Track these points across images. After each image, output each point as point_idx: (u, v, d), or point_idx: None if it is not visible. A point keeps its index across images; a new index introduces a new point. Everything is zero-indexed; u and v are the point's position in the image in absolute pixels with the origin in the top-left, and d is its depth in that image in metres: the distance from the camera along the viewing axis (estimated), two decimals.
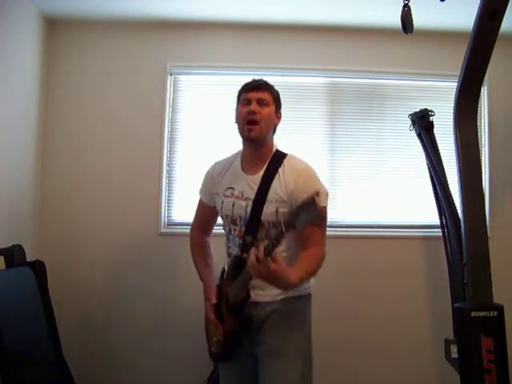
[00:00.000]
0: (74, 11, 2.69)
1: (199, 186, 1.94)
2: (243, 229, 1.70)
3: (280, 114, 1.78)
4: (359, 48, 2.86)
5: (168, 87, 2.84)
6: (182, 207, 2.84)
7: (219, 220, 1.90)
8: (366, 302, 2.74)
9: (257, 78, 1.77)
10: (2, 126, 2.30)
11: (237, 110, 1.74)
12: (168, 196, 2.85)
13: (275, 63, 2.83)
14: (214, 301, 1.75)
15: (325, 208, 1.64)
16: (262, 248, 1.40)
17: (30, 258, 2.22)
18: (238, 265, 1.67)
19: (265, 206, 1.64)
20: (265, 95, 1.69)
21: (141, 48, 2.84)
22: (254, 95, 1.68)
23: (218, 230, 2.03)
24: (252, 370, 1.73)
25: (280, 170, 1.68)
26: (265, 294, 1.67)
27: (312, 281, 1.78)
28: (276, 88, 1.77)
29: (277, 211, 1.62)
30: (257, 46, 2.84)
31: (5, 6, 2.29)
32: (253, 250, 1.43)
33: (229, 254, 1.79)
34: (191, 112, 2.88)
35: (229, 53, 2.83)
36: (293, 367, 1.66)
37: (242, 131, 1.71)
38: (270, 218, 1.63)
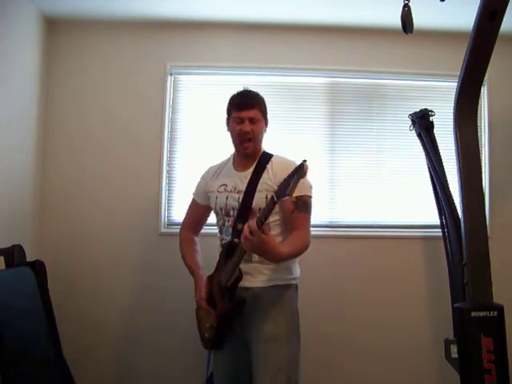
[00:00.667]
0: (74, 11, 2.69)
1: (193, 190, 2.13)
2: (235, 218, 1.85)
3: (267, 119, 1.97)
4: (359, 48, 2.86)
5: (168, 87, 2.84)
6: (182, 207, 2.83)
7: (209, 220, 2.14)
8: (366, 302, 2.73)
9: (245, 86, 1.97)
10: (2, 125, 2.30)
11: (228, 124, 1.95)
12: (168, 196, 2.85)
13: (275, 63, 2.83)
14: (204, 291, 1.89)
15: (310, 197, 1.84)
16: (254, 220, 1.52)
17: (30, 258, 2.22)
18: (229, 249, 1.80)
19: (255, 195, 1.82)
20: (255, 113, 1.88)
21: (141, 48, 2.84)
22: (245, 114, 1.86)
23: (209, 229, 2.21)
24: (244, 356, 1.84)
25: (268, 165, 1.88)
26: (254, 279, 1.82)
27: (299, 272, 1.94)
28: (262, 95, 1.96)
29: (266, 198, 1.76)
30: (257, 46, 2.84)
31: (5, 6, 2.29)
32: (246, 224, 1.54)
33: (222, 245, 1.92)
34: (191, 112, 2.88)
35: (229, 53, 2.83)
36: (283, 351, 1.78)
37: (237, 147, 1.94)
38: (260, 205, 1.75)
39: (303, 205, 1.80)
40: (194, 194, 2.14)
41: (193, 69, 2.86)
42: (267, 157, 1.93)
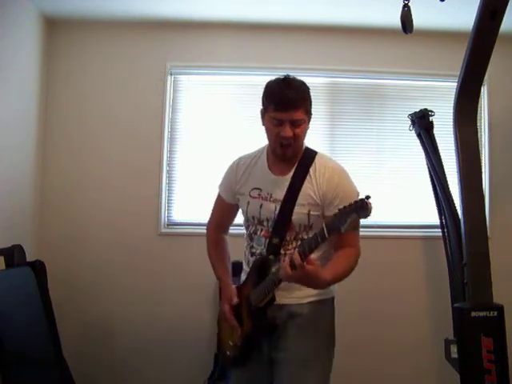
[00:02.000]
0: (74, 11, 2.69)
1: (220, 181, 1.78)
2: (270, 229, 1.60)
3: (311, 114, 1.60)
4: (359, 48, 2.86)
5: (168, 87, 2.84)
6: (182, 207, 2.85)
7: (237, 220, 1.82)
8: (366, 302, 2.74)
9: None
10: (2, 125, 2.30)
11: (263, 117, 1.59)
12: (168, 196, 2.85)
13: (275, 63, 2.82)
14: (235, 300, 1.63)
15: None
16: (296, 253, 1.34)
17: (30, 258, 2.22)
18: (262, 265, 1.59)
19: (296, 209, 1.56)
20: (299, 114, 1.50)
21: (141, 48, 2.84)
22: (286, 117, 1.49)
23: (235, 230, 1.88)
24: (267, 376, 1.65)
25: (311, 170, 1.59)
26: (290, 296, 1.58)
27: (336, 284, 1.66)
28: (305, 83, 1.58)
29: (309, 214, 1.55)
30: (257, 46, 2.84)
31: (5, 6, 2.28)
32: (287, 255, 1.40)
33: (251, 254, 1.67)
34: (191, 112, 2.88)
35: (229, 53, 2.83)
36: (314, 375, 1.58)
37: (273, 149, 1.60)
38: (301, 221, 1.56)
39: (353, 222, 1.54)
40: (220, 188, 1.79)
41: (193, 69, 2.86)
42: (310, 156, 1.62)
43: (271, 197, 1.60)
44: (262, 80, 2.94)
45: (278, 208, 1.58)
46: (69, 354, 2.25)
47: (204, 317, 1.91)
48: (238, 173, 1.70)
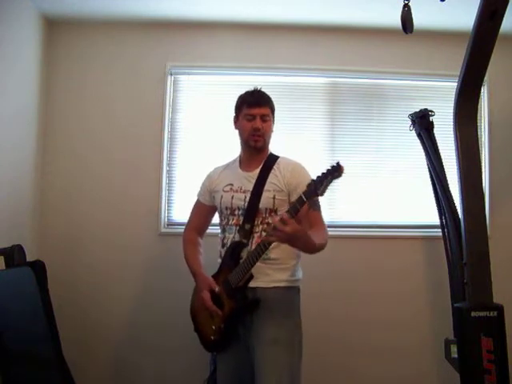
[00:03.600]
0: (74, 11, 2.69)
1: (198, 190, 2.10)
2: (241, 218, 1.85)
3: (274, 120, 1.98)
4: (359, 48, 2.86)
5: (168, 87, 2.84)
6: (182, 207, 2.84)
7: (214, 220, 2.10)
8: (366, 302, 2.74)
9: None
10: (2, 125, 2.30)
11: (237, 121, 1.95)
12: (168, 196, 2.85)
13: (275, 63, 2.83)
14: (217, 287, 1.84)
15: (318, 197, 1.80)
16: (283, 213, 1.56)
17: (30, 258, 2.21)
18: (236, 249, 1.82)
19: (262, 195, 1.83)
20: (266, 110, 1.90)
21: (141, 48, 2.84)
22: (257, 112, 1.88)
23: (211, 230, 2.16)
24: (247, 359, 1.83)
25: (275, 166, 1.90)
26: (257, 280, 1.79)
27: (301, 274, 1.93)
28: (270, 94, 1.97)
29: (274, 198, 1.81)
30: (257, 46, 2.84)
31: (5, 6, 2.29)
32: (277, 216, 1.60)
33: (223, 245, 1.91)
34: (191, 112, 2.88)
35: (229, 53, 2.83)
36: (286, 355, 1.76)
37: (247, 141, 1.92)
38: (267, 205, 1.82)
39: (315, 203, 1.81)
40: (198, 194, 2.11)
41: (193, 69, 2.86)
42: (274, 158, 1.95)
43: (241, 189, 1.90)
44: (262, 80, 2.96)
45: (247, 197, 1.85)
46: (69, 354, 2.24)
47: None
48: (214, 177, 2.03)
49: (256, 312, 1.80)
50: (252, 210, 1.83)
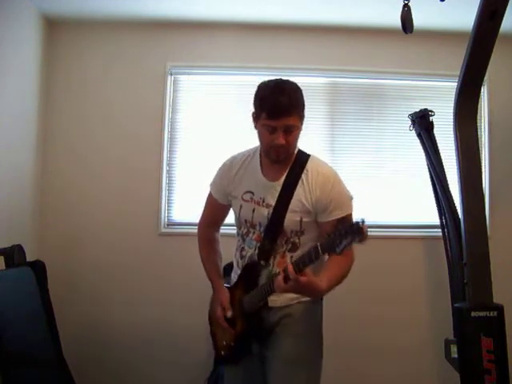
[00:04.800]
0: (74, 11, 2.69)
1: (211, 179, 1.77)
2: (262, 234, 1.61)
3: (304, 117, 1.57)
4: (359, 48, 2.86)
5: (168, 87, 2.84)
6: (182, 207, 2.84)
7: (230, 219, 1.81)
8: (366, 302, 2.73)
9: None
10: (2, 126, 2.30)
11: (256, 124, 1.56)
12: (168, 196, 2.85)
13: (275, 63, 2.82)
14: (229, 313, 1.64)
15: (351, 215, 1.64)
16: (290, 266, 1.35)
17: (30, 258, 2.22)
18: (253, 270, 1.61)
19: (288, 215, 1.55)
20: (291, 121, 1.47)
21: (141, 48, 2.84)
22: (278, 124, 1.46)
23: (227, 230, 1.89)
24: (258, 373, 1.66)
25: (303, 175, 1.58)
26: (277, 298, 1.58)
27: None
28: (298, 86, 1.53)
29: (301, 221, 1.56)
30: (257, 46, 2.84)
31: (5, 6, 2.29)
32: (283, 269, 1.39)
33: (241, 256, 1.68)
34: (191, 112, 2.88)
35: (229, 53, 2.83)
36: (304, 373, 1.60)
37: (266, 153, 1.58)
38: (293, 227, 1.57)
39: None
40: (211, 187, 1.77)
41: (193, 69, 2.86)
42: (302, 161, 1.61)
43: (263, 201, 1.60)
44: (262, 80, 2.93)
45: (270, 213, 1.57)
46: (69, 354, 2.24)
47: (204, 317, 1.92)
48: (231, 173, 1.69)
49: (275, 328, 1.62)
50: (274, 229, 1.58)
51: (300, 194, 1.56)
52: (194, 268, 2.08)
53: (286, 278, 1.35)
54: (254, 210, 1.62)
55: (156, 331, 2.70)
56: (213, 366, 2.50)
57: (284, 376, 1.57)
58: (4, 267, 2.04)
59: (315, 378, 1.65)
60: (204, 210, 1.83)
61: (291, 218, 1.56)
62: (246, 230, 1.67)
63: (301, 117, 1.52)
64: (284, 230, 1.57)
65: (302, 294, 1.47)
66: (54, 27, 2.80)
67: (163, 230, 2.79)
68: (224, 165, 1.74)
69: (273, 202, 1.57)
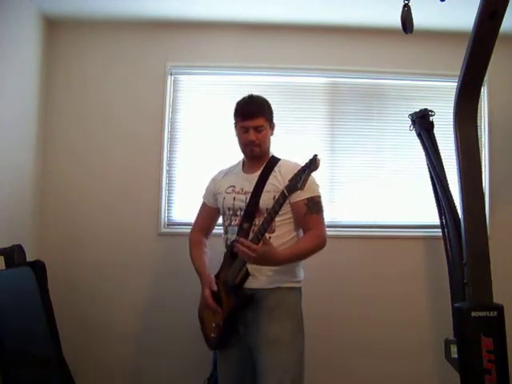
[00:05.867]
0: (74, 11, 2.69)
1: (203, 192, 2.16)
2: (241, 217, 1.89)
3: (273, 123, 2.00)
4: (359, 48, 2.86)
5: (168, 87, 2.84)
6: (182, 207, 2.84)
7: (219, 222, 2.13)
8: (366, 302, 2.73)
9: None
10: (2, 126, 2.30)
11: (236, 130, 1.98)
12: (168, 196, 2.84)
13: (275, 63, 2.82)
14: (214, 286, 1.89)
15: (319, 197, 1.90)
16: (241, 238, 1.68)
17: (30, 258, 2.22)
18: (234, 248, 1.78)
19: (263, 195, 1.85)
20: (259, 122, 1.90)
21: (141, 48, 2.83)
22: (249, 124, 1.89)
23: (216, 230, 2.20)
24: (248, 359, 1.85)
25: (276, 168, 1.92)
26: (258, 281, 1.83)
27: (302, 275, 1.95)
28: (266, 99, 2.00)
29: (274, 198, 1.78)
30: (257, 46, 2.84)
31: (5, 6, 2.29)
32: (240, 239, 1.69)
33: (226, 245, 1.95)
34: (191, 112, 2.88)
35: (229, 53, 2.83)
36: (288, 354, 1.78)
37: (244, 152, 1.99)
38: (267, 205, 1.80)
39: (315, 206, 1.85)
40: (203, 196, 2.17)
41: (193, 69, 2.86)
42: (275, 160, 1.97)
43: (242, 190, 1.93)
44: (262, 80, 2.96)
45: (248, 198, 1.88)
46: (69, 353, 2.24)
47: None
48: (218, 179, 2.09)
49: (256, 312, 1.82)
50: (251, 209, 1.86)
51: (273, 179, 1.89)
52: (193, 268, 2.09)
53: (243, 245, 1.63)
54: (234, 199, 1.94)
55: (156, 331, 2.70)
56: (213, 366, 2.50)
57: (270, 357, 1.76)
58: (4, 267, 2.04)
59: (299, 357, 1.83)
60: (196, 218, 2.19)
61: (266, 198, 1.84)
62: (229, 221, 1.95)
63: (267, 120, 1.94)
64: (260, 210, 1.84)
65: (262, 263, 1.71)
66: (54, 27, 2.80)
67: (163, 230, 2.79)
68: (212, 177, 2.15)
69: (250, 189, 1.89)
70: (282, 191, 1.64)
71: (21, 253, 2.11)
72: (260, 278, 1.83)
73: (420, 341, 2.73)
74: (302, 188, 1.58)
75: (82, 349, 2.64)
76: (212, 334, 1.93)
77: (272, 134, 2.00)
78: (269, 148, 2.01)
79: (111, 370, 2.69)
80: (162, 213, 2.80)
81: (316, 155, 1.56)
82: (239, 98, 2.02)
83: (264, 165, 1.95)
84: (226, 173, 2.09)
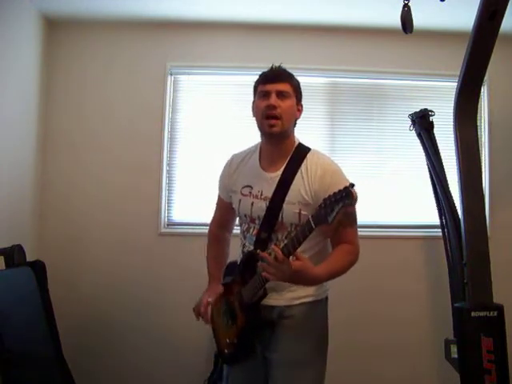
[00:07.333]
0: (74, 11, 2.69)
1: (218, 182, 1.80)
2: (259, 226, 1.59)
3: (301, 105, 1.66)
4: (359, 48, 2.86)
5: (168, 87, 2.84)
6: (182, 207, 2.85)
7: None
8: (366, 302, 2.74)
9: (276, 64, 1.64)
10: (2, 125, 2.30)
11: (254, 102, 1.62)
12: (168, 196, 2.85)
13: (275, 63, 2.81)
14: (211, 302, 1.69)
15: (355, 208, 1.53)
16: (275, 246, 1.34)
17: (30, 258, 2.22)
18: (250, 260, 1.57)
19: (285, 207, 1.53)
20: (285, 86, 1.55)
21: (141, 48, 2.84)
22: (273, 87, 1.54)
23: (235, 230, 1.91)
24: (261, 375, 1.63)
25: (303, 166, 1.56)
26: (280, 297, 1.56)
27: (328, 284, 1.67)
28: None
29: (300, 213, 1.51)
30: (257, 46, 2.84)
31: (5, 6, 2.29)
32: (270, 249, 1.37)
33: (243, 253, 1.68)
34: (191, 112, 2.88)
35: (229, 53, 2.83)
36: (307, 377, 1.57)
37: (261, 126, 1.58)
38: (292, 220, 1.52)
39: (349, 216, 1.49)
40: (218, 188, 1.81)
41: (193, 69, 2.86)
42: (302, 153, 1.60)
43: (262, 194, 1.59)
44: None
45: (267, 205, 1.56)
46: (69, 353, 2.24)
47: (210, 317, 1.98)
48: (231, 169, 1.71)
49: (277, 330, 1.58)
50: (270, 219, 1.55)
51: (298, 185, 1.53)
52: (193, 268, 2.09)
53: (276, 259, 1.31)
54: (252, 204, 1.60)
55: (156, 331, 2.70)
56: (213, 366, 2.50)
57: (286, 379, 1.55)
58: (4, 267, 2.04)
59: (319, 379, 1.62)
60: (214, 211, 1.86)
61: (290, 210, 1.53)
62: (246, 226, 1.66)
63: (294, 87, 1.59)
64: (283, 223, 1.54)
65: (295, 282, 1.42)
66: (54, 27, 2.80)
67: (163, 230, 2.79)
68: (226, 163, 1.77)
69: (270, 194, 1.56)
70: (308, 220, 1.31)
71: (21, 253, 2.11)
72: (282, 294, 1.56)
73: (420, 341, 2.73)
74: (332, 222, 1.26)
75: (82, 349, 2.64)
76: (226, 350, 1.68)
77: (298, 118, 1.65)
78: (292, 130, 1.64)
79: (111, 370, 2.69)
80: (162, 213, 2.80)
81: (352, 186, 1.24)
82: (239, 98, 1.99)
83: (287, 160, 1.58)
84: (241, 163, 1.70)
